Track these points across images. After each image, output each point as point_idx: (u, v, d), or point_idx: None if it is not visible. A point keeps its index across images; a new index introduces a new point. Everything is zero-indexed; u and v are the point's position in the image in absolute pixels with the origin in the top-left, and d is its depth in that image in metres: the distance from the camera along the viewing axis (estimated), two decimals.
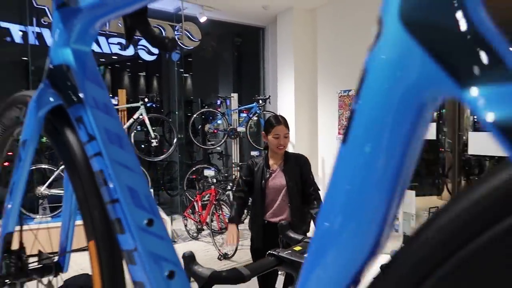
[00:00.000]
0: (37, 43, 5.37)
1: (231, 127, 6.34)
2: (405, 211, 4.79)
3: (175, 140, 5.76)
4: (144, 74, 9.66)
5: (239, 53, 8.58)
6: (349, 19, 6.06)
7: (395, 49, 0.24)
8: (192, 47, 6.49)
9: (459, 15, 0.22)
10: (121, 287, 0.50)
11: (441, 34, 0.22)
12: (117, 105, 5.62)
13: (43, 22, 5.08)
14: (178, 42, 6.40)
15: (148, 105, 5.48)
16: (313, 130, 6.74)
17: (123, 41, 6.30)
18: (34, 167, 5.13)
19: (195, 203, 5.16)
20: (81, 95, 0.55)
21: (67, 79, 0.58)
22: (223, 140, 6.37)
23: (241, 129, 6.44)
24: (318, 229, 0.29)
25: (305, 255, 1.18)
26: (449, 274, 0.19)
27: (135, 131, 5.54)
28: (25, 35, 5.35)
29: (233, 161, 6.58)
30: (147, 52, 6.51)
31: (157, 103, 6.04)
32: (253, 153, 5.45)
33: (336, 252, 0.27)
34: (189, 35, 6.35)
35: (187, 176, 6.10)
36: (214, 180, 4.80)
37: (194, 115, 6.36)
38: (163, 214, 5.34)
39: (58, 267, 0.79)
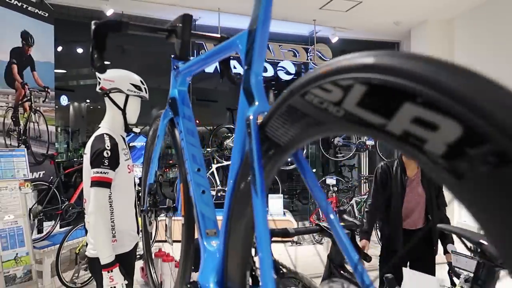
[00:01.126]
0: None
1: (359, 140, 6.58)
2: None
3: (304, 152, 6.32)
4: (270, 91, 10.64)
5: None
6: (490, 27, 5.71)
7: (241, 96, 0.72)
8: None
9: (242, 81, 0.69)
10: (191, 203, 1.03)
11: (246, 89, 0.70)
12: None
13: (201, 54, 6.32)
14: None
15: None
16: None
17: (265, 64, 7.20)
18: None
19: (319, 209, 5.60)
20: (179, 112, 1.14)
21: (174, 104, 1.17)
22: (351, 153, 6.64)
23: (370, 142, 6.60)
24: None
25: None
26: None
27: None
28: None
29: (362, 174, 6.78)
30: (285, 73, 7.25)
31: None
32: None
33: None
34: (321, 55, 6.88)
35: None
36: (335, 189, 5.16)
37: None
38: (291, 219, 5.91)
39: (175, 208, 1.41)
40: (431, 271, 2.62)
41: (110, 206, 1.97)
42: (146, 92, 2.15)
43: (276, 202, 5.82)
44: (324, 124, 0.48)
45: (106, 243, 1.85)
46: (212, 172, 5.92)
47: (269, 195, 6.01)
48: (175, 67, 1.20)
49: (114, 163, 1.93)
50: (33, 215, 4.23)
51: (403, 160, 2.70)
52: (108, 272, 1.82)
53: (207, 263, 0.85)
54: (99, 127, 2.07)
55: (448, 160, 0.32)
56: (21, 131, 4.50)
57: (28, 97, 4.59)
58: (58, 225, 4.59)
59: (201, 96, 11.01)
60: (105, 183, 1.87)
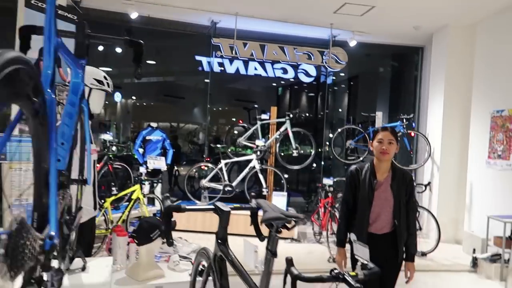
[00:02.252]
0: (218, 70, 6.98)
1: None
2: None
3: (313, 152, 6.45)
4: (303, 93, 10.73)
5: (393, 73, 8.61)
6: None
7: None
8: (338, 69, 7.09)
9: None
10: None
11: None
12: (268, 119, 6.66)
13: (216, 55, 6.66)
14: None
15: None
16: (463, 153, 6.27)
17: (286, 66, 7.33)
18: (202, 165, 6.69)
19: (319, 209, 5.71)
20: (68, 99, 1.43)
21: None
22: (361, 157, 6.64)
23: None
24: None
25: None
26: None
27: (279, 143, 6.49)
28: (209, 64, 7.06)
29: None
30: (305, 75, 7.36)
31: (300, 118, 6.83)
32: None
33: None
34: (337, 59, 6.95)
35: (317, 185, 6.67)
36: (331, 189, 5.26)
37: (337, 131, 6.91)
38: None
39: (85, 181, 1.69)
40: (395, 276, 2.63)
41: None
42: (109, 87, 2.47)
43: (280, 199, 5.98)
44: None
45: None
46: (221, 167, 6.20)
47: (274, 193, 6.21)
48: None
49: None
50: None
51: (374, 163, 2.66)
52: None
53: None
54: None
55: None
56: None
57: None
58: None
59: (239, 96, 11.42)
60: None
